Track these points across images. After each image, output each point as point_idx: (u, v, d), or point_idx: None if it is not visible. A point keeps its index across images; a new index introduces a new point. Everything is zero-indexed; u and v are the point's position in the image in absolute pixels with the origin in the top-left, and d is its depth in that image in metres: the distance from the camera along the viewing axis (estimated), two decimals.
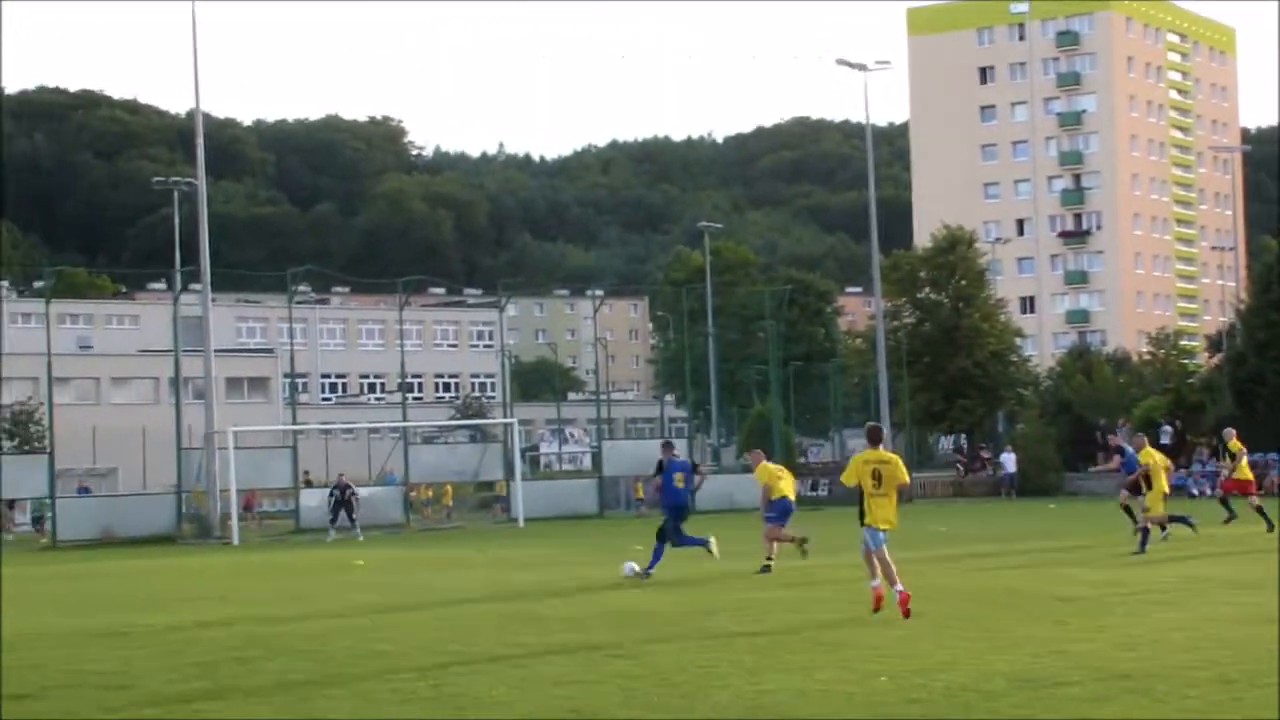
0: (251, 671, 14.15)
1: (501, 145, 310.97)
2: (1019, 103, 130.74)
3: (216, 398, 52.21)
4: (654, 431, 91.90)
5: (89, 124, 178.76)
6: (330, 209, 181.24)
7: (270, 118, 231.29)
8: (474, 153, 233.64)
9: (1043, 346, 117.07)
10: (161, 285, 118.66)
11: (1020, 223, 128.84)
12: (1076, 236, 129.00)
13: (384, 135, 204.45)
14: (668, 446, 25.83)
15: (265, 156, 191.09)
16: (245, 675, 13.92)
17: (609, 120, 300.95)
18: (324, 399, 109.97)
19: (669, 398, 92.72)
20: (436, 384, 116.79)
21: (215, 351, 52.31)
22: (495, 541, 38.61)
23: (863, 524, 17.62)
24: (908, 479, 17.91)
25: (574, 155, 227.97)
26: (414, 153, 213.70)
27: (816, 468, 70.22)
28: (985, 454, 70.20)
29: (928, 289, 75.03)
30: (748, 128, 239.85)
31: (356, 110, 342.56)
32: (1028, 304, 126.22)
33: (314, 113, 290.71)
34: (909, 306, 75.16)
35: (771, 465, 25.89)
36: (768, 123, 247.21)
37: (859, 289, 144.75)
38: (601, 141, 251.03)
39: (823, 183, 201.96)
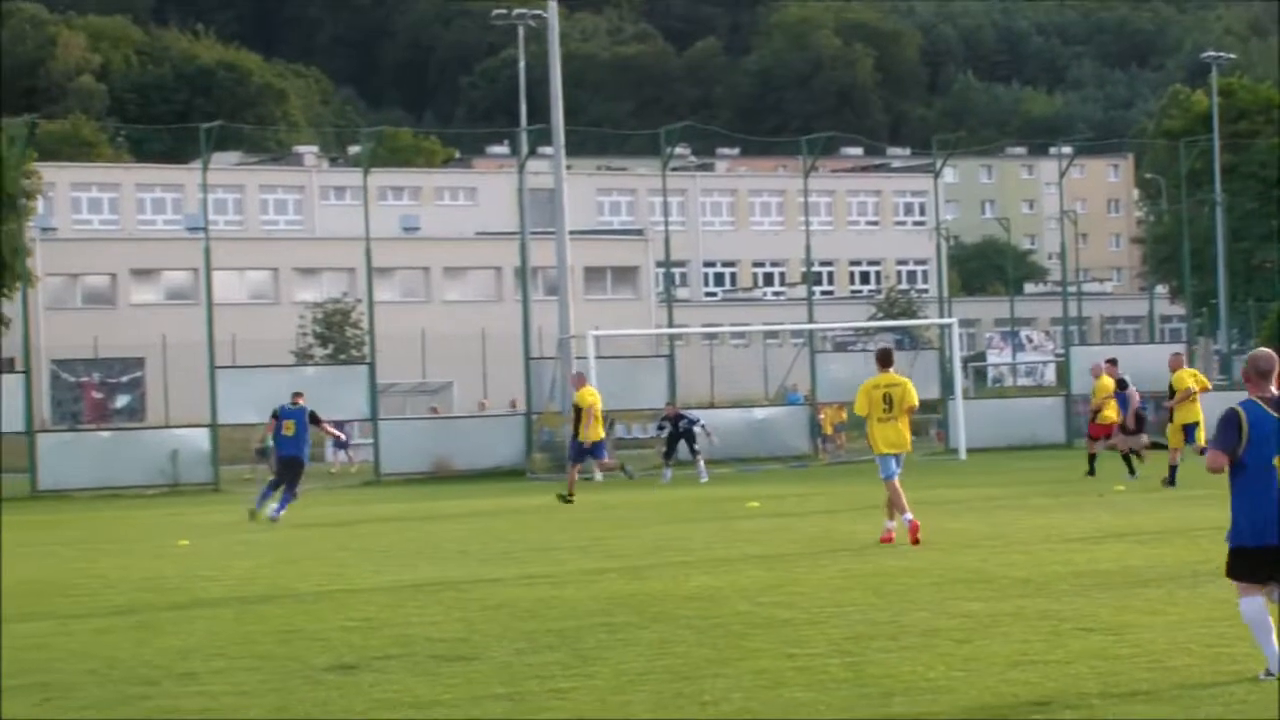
0: (621, 642, 14.59)
1: None
2: None
3: (574, 293, 53.58)
4: (1139, 334, 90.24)
5: None
6: (715, 46, 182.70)
7: None
8: None
9: None
10: (504, 149, 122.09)
11: None
12: None
13: None
14: (298, 395, 32.59)
15: None
16: (613, 646, 14.35)
17: None
18: (707, 294, 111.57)
19: (1161, 289, 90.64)
20: (852, 274, 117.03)
21: (571, 234, 53.56)
22: (929, 477, 38.59)
23: (876, 451, 22.56)
24: (916, 401, 22.77)
25: None
26: None
27: None
28: None
29: None
30: None
31: None
32: None
33: None
34: None
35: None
36: None
37: None
38: None
39: None
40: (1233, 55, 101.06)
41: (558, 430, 48.80)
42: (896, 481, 22.36)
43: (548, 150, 54.86)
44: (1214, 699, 11.26)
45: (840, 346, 72.77)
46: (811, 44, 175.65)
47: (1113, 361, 38.03)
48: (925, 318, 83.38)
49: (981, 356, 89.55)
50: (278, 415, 32.56)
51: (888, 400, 22.45)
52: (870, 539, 22.87)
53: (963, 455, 48.43)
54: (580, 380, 35.44)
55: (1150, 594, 16.37)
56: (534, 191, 56.36)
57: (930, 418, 60.39)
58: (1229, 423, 11.82)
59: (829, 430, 54.64)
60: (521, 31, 66.04)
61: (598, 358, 47.28)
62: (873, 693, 11.90)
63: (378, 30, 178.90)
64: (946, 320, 55.16)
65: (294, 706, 12.20)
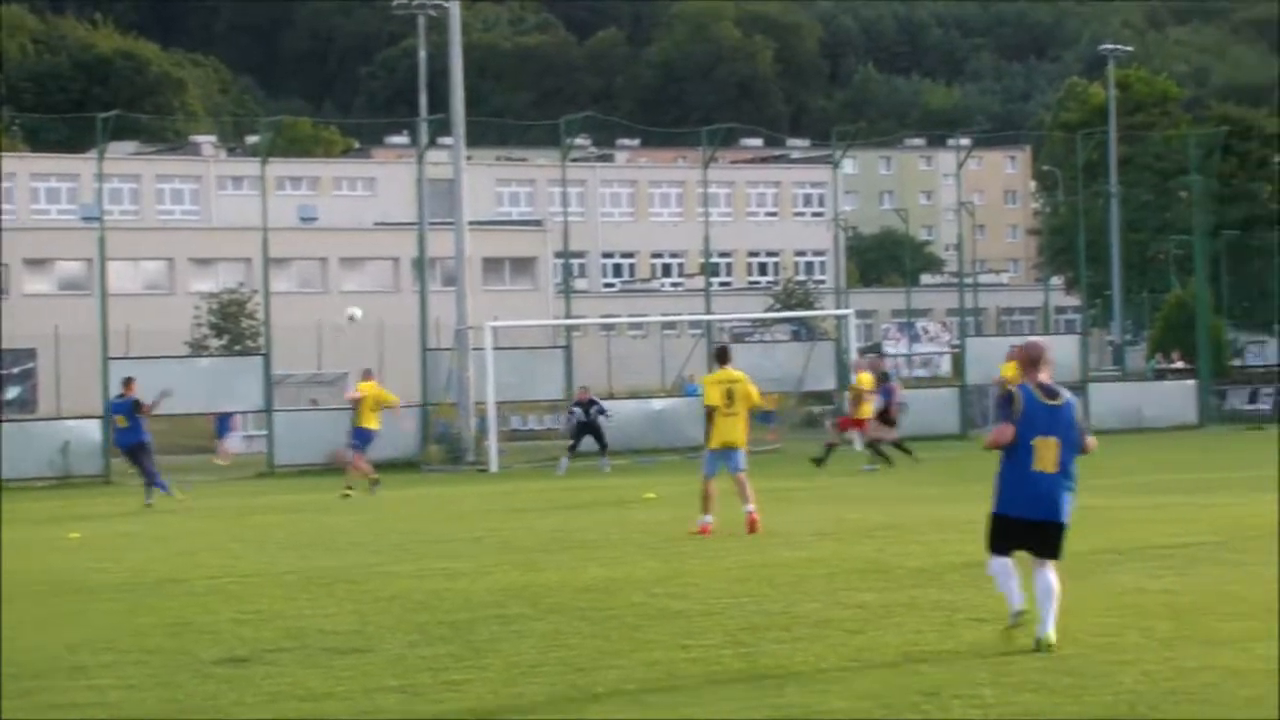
0: (515, 634, 14.58)
1: None
2: None
3: (472, 284, 53.42)
4: (1035, 325, 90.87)
5: None
6: (617, 37, 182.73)
7: None
8: None
9: None
10: (403, 139, 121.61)
11: None
12: None
13: None
14: (128, 382, 33.79)
15: None
16: (507, 638, 14.34)
17: None
18: (606, 285, 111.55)
19: (1056, 280, 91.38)
20: (750, 265, 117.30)
21: (470, 224, 53.40)
22: (826, 467, 38.75)
23: (710, 447, 23.21)
24: (759, 399, 23.77)
25: None
26: None
27: (1256, 373, 68.47)
28: None
29: None
30: None
31: None
32: None
33: None
34: None
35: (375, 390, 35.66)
36: None
37: None
38: None
39: None
40: (1130, 48, 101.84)
41: (453, 422, 48.68)
42: (740, 479, 23.10)
43: (447, 140, 54.62)
44: (1103, 688, 11.34)
45: (738, 338, 72.84)
46: (712, 35, 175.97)
47: (878, 354, 39.61)
48: (822, 309, 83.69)
49: (878, 348, 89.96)
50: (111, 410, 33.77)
51: (729, 396, 23.23)
52: (768, 528, 22.91)
53: (859, 446, 48.57)
54: (365, 375, 36.83)
55: None
56: (433, 182, 56.10)
57: (826, 409, 60.59)
58: (1006, 402, 13.17)
59: None
60: (422, 21, 65.77)
61: (496, 349, 47.17)
62: (765, 683, 11.93)
63: (277, 20, 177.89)
64: (843, 311, 55.29)
65: (183, 700, 12.10)
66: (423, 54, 62.26)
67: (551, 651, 13.54)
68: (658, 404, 53.25)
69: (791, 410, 60.72)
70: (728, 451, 23.17)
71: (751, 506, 22.89)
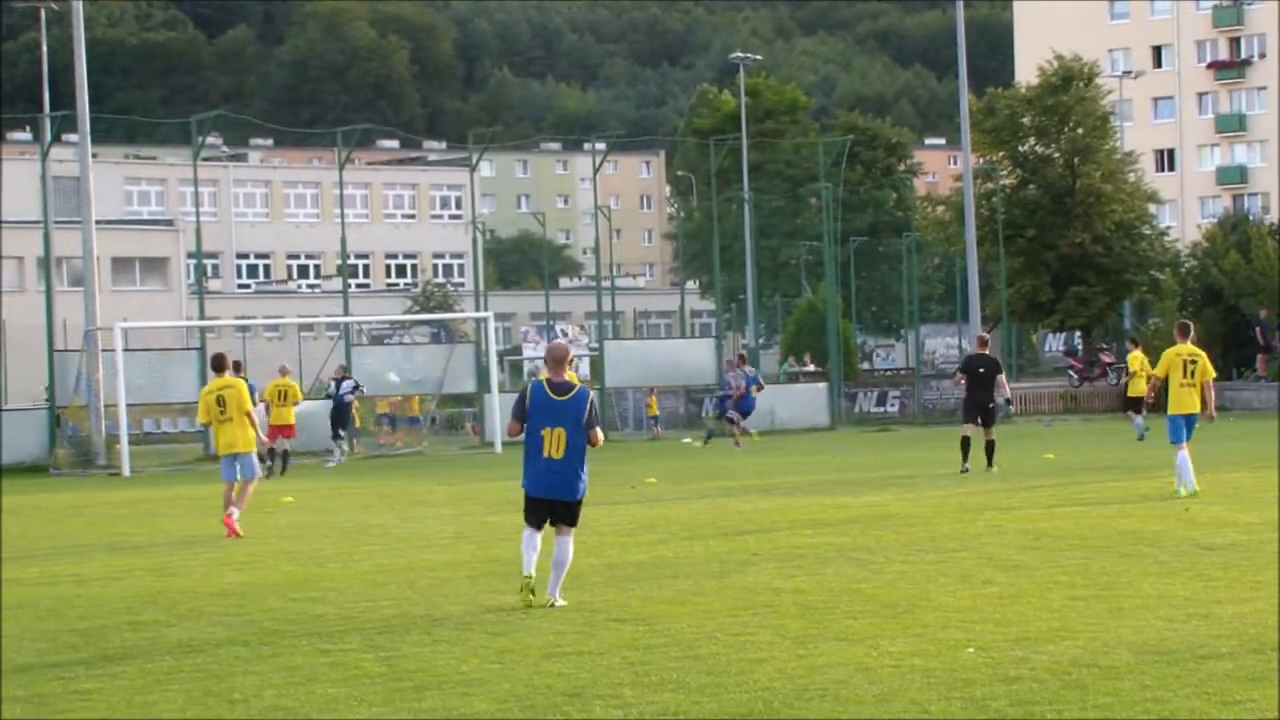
0: (149, 640, 14.30)
1: None
2: None
3: (100, 284, 52.30)
4: (671, 329, 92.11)
5: None
6: (247, 35, 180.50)
7: None
8: None
9: (1185, 215, 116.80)
10: (26, 135, 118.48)
11: (1157, 51, 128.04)
12: (1232, 68, 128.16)
13: None
14: None
15: None
16: (141, 645, 14.06)
17: None
18: (241, 286, 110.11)
19: (691, 285, 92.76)
20: (388, 267, 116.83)
21: (98, 223, 52.30)
22: (465, 472, 38.75)
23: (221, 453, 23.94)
24: (250, 405, 24.08)
25: None
26: None
27: (884, 376, 70.33)
28: (1107, 357, 70.32)
29: (1032, 140, 74.71)
30: None
31: None
32: (1165, 159, 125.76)
33: None
34: (1008, 163, 74.88)
35: None
36: None
37: (942, 140, 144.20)
38: None
39: None
40: (759, 56, 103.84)
41: (83, 425, 47.64)
42: (236, 486, 23.86)
43: (73, 137, 53.42)
44: (739, 685, 11.51)
45: (377, 340, 72.52)
46: (346, 35, 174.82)
47: (236, 365, 41.10)
48: (462, 311, 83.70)
49: (518, 350, 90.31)
50: None
51: (221, 403, 23.79)
52: (398, 532, 22.80)
53: (499, 449, 48.74)
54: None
55: (680, 585, 16.68)
56: (58, 180, 54.79)
57: (466, 411, 60.60)
58: (520, 397, 15.34)
59: (359, 423, 54.59)
60: (44, 15, 64.37)
61: (127, 350, 46.29)
62: (406, 687, 11.87)
63: None
64: (483, 314, 55.41)
65: None
66: (45, 49, 60.86)
67: (187, 658, 13.31)
68: (295, 407, 52.67)
69: (432, 413, 60.62)
70: (235, 457, 23.88)
71: (235, 511, 23.57)
